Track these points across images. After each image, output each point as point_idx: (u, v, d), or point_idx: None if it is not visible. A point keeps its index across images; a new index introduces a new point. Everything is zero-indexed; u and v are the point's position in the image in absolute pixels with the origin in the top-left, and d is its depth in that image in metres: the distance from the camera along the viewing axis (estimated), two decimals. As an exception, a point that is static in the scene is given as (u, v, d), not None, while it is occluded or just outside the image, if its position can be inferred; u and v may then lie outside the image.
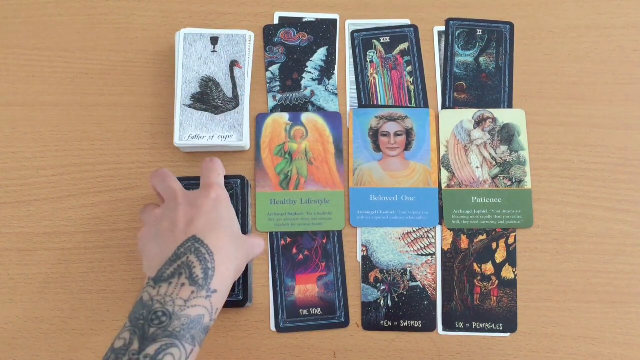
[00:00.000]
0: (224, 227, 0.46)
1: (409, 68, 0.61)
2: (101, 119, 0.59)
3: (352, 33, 0.61)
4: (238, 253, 0.47)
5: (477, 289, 0.56)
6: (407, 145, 0.59)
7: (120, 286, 0.56)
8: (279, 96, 0.60)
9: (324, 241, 0.57)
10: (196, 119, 0.56)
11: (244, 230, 0.55)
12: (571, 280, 0.57)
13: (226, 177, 0.56)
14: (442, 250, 0.57)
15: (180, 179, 0.56)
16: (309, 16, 0.62)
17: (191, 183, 0.56)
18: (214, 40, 0.58)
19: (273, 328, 0.56)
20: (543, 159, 0.59)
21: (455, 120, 0.59)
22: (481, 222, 0.57)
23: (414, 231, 0.57)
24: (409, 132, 0.59)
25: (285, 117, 0.59)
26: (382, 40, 0.61)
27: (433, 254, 0.57)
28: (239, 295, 0.54)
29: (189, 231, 0.45)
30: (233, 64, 0.57)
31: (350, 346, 0.56)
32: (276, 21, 0.62)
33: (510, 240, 0.57)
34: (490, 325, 0.56)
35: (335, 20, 0.61)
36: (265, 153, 0.58)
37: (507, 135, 0.59)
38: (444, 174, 0.58)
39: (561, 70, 0.61)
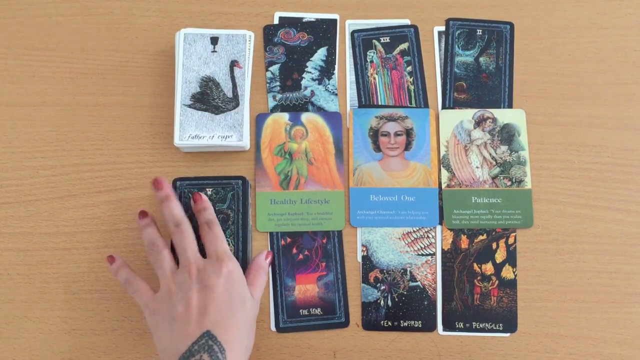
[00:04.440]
0: (236, 312, 0.48)
1: (409, 68, 0.61)
2: (101, 119, 0.59)
3: (352, 33, 0.61)
4: (250, 336, 0.50)
5: (477, 289, 0.56)
6: (407, 145, 0.59)
7: (120, 286, 0.56)
8: (279, 96, 0.60)
9: (324, 241, 0.57)
10: (196, 119, 0.56)
11: (244, 230, 0.55)
12: (571, 280, 0.57)
13: (226, 178, 0.56)
14: (442, 250, 0.57)
15: (180, 179, 0.56)
16: (309, 16, 0.62)
17: (192, 183, 0.56)
18: (214, 40, 0.58)
19: (273, 328, 0.56)
20: (543, 159, 0.59)
21: (455, 120, 0.59)
22: (481, 222, 0.57)
23: (414, 231, 0.57)
24: (409, 132, 0.59)
25: (285, 117, 0.59)
26: (382, 40, 0.61)
27: (433, 254, 0.57)
28: (239, 295, 0.54)
29: (203, 324, 0.46)
30: (233, 64, 0.57)
31: (350, 346, 0.56)
32: (276, 21, 0.61)
33: (510, 240, 0.57)
34: (490, 325, 0.56)
35: (335, 20, 0.61)
36: (265, 153, 0.58)
37: (507, 135, 0.59)
38: (444, 174, 0.58)
39: (561, 70, 0.60)
